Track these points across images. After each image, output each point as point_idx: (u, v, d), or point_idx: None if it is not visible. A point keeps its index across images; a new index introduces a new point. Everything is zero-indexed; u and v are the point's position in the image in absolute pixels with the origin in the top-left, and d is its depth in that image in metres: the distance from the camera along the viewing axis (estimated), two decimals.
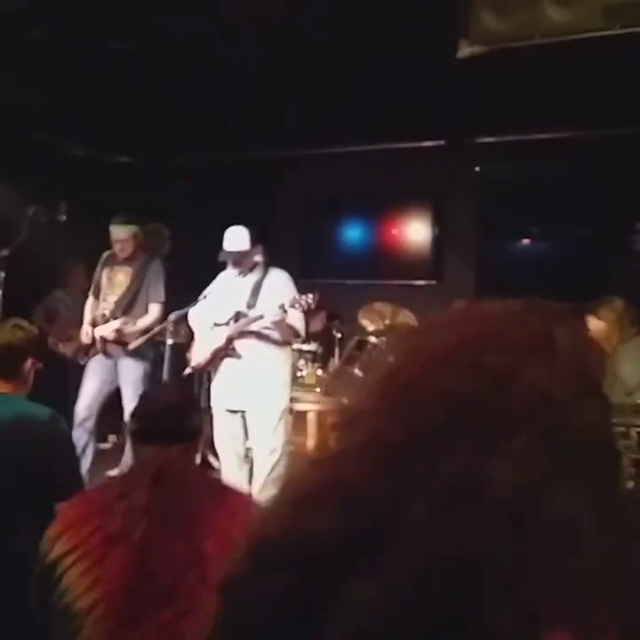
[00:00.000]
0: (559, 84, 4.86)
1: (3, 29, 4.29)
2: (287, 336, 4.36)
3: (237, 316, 4.28)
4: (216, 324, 4.40)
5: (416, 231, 7.26)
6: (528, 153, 6.34)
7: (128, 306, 4.80)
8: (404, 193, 7.22)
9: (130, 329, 4.67)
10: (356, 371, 5.08)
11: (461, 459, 0.53)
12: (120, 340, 4.70)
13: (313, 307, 4.06)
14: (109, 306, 4.83)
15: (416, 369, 0.60)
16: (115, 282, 4.90)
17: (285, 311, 4.00)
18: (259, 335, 4.27)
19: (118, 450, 5.32)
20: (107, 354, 4.76)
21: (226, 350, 4.27)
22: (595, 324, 4.19)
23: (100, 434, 5.25)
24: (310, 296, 3.99)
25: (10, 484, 2.17)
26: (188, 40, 4.56)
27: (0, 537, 2.11)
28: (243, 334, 4.25)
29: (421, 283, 7.13)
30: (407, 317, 5.86)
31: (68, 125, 6.25)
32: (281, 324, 4.12)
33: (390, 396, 0.60)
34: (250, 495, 1.91)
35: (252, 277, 4.37)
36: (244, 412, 4.30)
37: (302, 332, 4.44)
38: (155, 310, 4.84)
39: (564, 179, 6.62)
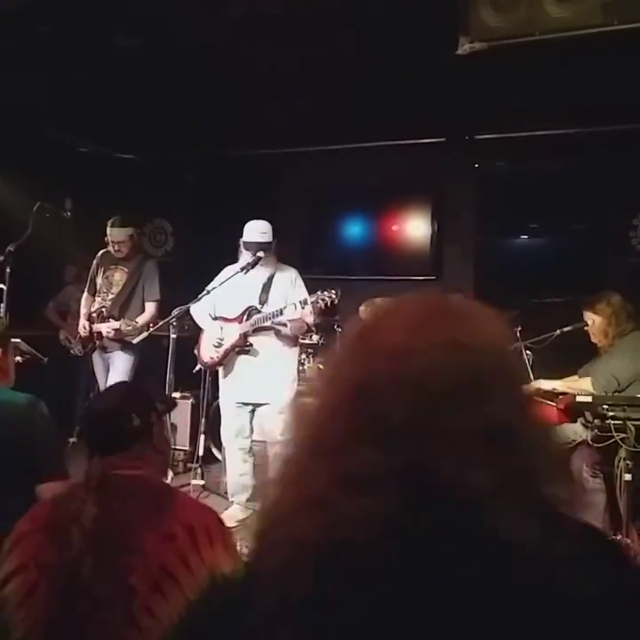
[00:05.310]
0: (558, 80, 4.90)
1: (8, 26, 4.33)
2: (301, 331, 4.38)
3: (249, 311, 4.28)
4: (225, 319, 4.39)
5: (416, 227, 7.30)
6: (527, 149, 6.37)
7: (124, 304, 5.02)
8: (403, 189, 7.25)
9: (128, 327, 4.85)
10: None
11: None
12: (118, 338, 4.93)
13: (336, 302, 4.05)
14: (107, 303, 5.06)
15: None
16: (112, 280, 5.10)
17: (304, 307, 4.02)
18: (272, 330, 4.27)
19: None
20: (104, 348, 5.07)
21: (241, 346, 4.28)
22: (591, 319, 4.24)
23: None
24: (332, 292, 3.99)
25: None
26: (193, 37, 4.60)
27: None
28: (257, 330, 4.26)
29: (421, 278, 7.17)
30: None
31: (74, 122, 6.28)
32: (299, 320, 4.13)
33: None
34: (200, 510, 1.68)
35: (263, 273, 4.36)
36: (254, 406, 4.31)
37: (313, 328, 4.46)
38: (151, 308, 5.04)
39: (563, 175, 6.66)
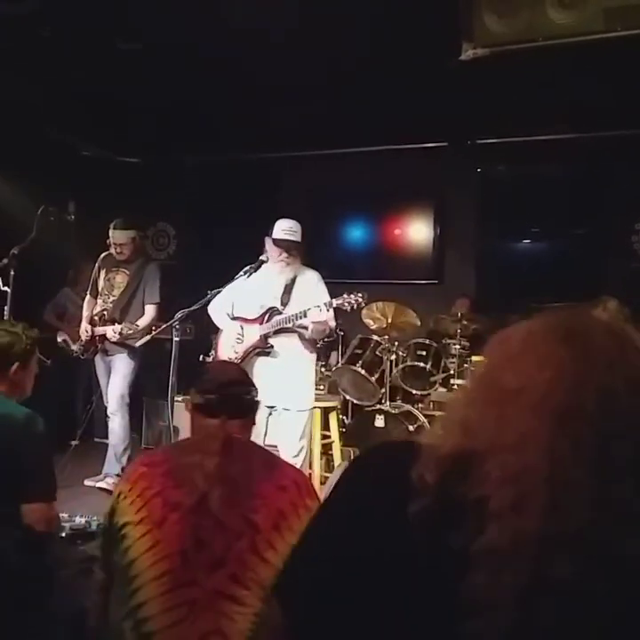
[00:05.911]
0: (560, 85, 4.93)
1: (10, 28, 4.35)
2: (323, 334, 4.29)
3: (271, 312, 4.20)
4: (245, 320, 4.29)
5: (418, 231, 7.33)
6: (529, 154, 6.40)
7: (125, 306, 5.03)
8: (406, 193, 7.28)
9: (129, 330, 4.85)
10: None
11: None
12: (120, 341, 4.94)
13: (362, 306, 3.97)
14: (108, 306, 5.08)
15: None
16: (114, 283, 5.12)
17: (329, 310, 3.92)
18: (294, 332, 4.18)
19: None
20: (105, 351, 5.09)
21: (262, 348, 4.20)
22: None
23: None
24: (359, 296, 3.89)
25: None
26: (194, 39, 4.61)
27: None
28: (277, 331, 4.17)
29: (423, 282, 7.19)
30: (409, 316, 5.91)
31: (77, 125, 6.31)
32: (323, 323, 4.01)
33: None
34: (297, 470, 1.95)
35: (286, 274, 4.26)
36: (272, 408, 4.20)
37: (334, 332, 4.35)
38: (151, 311, 5.03)
39: (565, 179, 6.68)
